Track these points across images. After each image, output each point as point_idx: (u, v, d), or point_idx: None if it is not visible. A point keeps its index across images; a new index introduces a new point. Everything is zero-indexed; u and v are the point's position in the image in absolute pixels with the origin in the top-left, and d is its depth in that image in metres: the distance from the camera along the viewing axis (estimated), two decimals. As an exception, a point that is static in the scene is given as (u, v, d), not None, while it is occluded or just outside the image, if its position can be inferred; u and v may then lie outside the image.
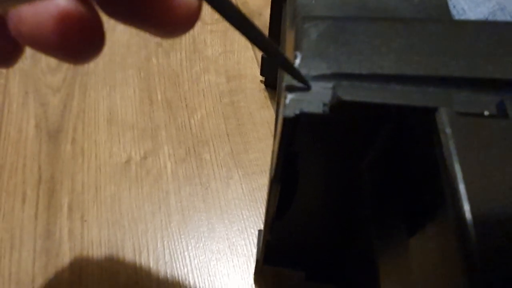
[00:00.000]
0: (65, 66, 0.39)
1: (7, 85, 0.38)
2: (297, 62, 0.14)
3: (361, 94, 0.12)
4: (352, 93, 0.12)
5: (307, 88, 0.13)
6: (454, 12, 0.22)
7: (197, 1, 0.12)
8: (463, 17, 0.22)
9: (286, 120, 0.13)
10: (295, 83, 0.13)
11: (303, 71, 0.13)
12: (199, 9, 0.12)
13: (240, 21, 0.12)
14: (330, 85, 0.13)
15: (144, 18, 0.12)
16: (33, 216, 0.30)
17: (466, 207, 0.10)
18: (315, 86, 0.13)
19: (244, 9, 0.42)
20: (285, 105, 0.13)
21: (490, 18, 0.23)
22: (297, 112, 0.13)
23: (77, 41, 0.12)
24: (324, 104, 0.13)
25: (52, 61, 0.39)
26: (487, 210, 0.10)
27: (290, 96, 0.13)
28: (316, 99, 0.13)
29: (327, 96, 0.13)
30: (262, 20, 0.41)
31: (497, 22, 0.16)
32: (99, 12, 0.12)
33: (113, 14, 0.12)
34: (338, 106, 0.12)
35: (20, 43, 0.13)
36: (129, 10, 0.12)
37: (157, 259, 0.28)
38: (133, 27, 0.13)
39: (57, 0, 0.11)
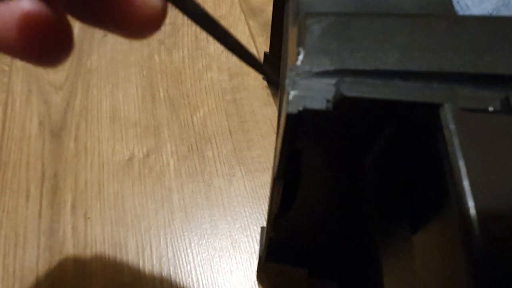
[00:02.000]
0: (68, 64, 0.39)
1: (10, 83, 0.38)
2: (300, 58, 0.14)
3: (364, 90, 0.12)
4: (355, 89, 0.12)
5: (276, 86, 0.13)
6: (457, 8, 0.22)
7: (160, 3, 0.12)
8: (467, 13, 0.22)
9: (289, 117, 0.13)
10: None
11: (306, 68, 0.13)
12: (163, 10, 0.12)
13: (204, 20, 0.12)
14: (333, 81, 0.13)
15: (107, 20, 0.12)
16: (36, 214, 0.30)
17: (470, 203, 0.10)
18: (318, 82, 0.13)
19: (246, 6, 0.42)
20: (288, 102, 0.13)
21: (494, 13, 0.22)
22: (300, 108, 0.13)
23: (42, 44, 0.12)
24: (327, 101, 0.12)
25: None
26: (491, 206, 0.10)
27: (293, 93, 0.13)
28: (319, 95, 0.13)
29: (330, 93, 0.13)
30: (265, 17, 0.41)
31: (501, 18, 0.16)
32: (66, 15, 0.12)
33: (76, 15, 0.12)
34: (341, 103, 0.12)
35: None
36: (91, 11, 0.12)
37: (160, 256, 0.28)
38: (100, 29, 0.13)
39: (21, 2, 0.11)
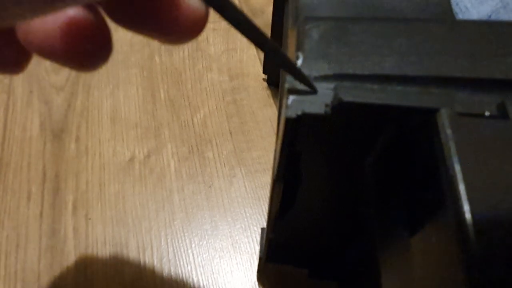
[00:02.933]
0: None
1: (11, 84, 0.38)
2: (299, 63, 0.14)
3: (362, 95, 0.13)
4: (354, 94, 0.13)
5: (313, 92, 0.13)
6: (457, 9, 0.22)
7: (204, 9, 0.12)
8: (466, 15, 0.22)
9: (288, 121, 0.13)
10: (302, 86, 0.13)
11: (305, 72, 0.13)
12: (206, 16, 0.12)
13: (245, 26, 0.12)
14: (331, 86, 0.13)
15: (152, 26, 0.12)
16: (38, 215, 0.30)
17: (466, 207, 0.10)
18: (317, 87, 0.13)
19: (246, 7, 0.42)
20: (287, 106, 0.13)
21: (493, 16, 0.23)
22: (299, 112, 0.13)
23: (84, 49, 0.12)
24: (326, 105, 0.13)
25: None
26: (487, 210, 0.10)
27: (292, 97, 0.13)
28: (318, 100, 0.13)
29: (328, 97, 0.13)
30: (265, 18, 0.41)
31: (499, 22, 0.16)
32: (106, 20, 0.13)
33: (120, 22, 0.13)
34: (339, 107, 0.13)
35: (28, 50, 0.13)
36: (137, 17, 0.12)
37: (161, 257, 0.28)
38: (140, 34, 0.13)
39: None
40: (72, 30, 0.12)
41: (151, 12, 0.12)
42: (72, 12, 0.12)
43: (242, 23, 0.12)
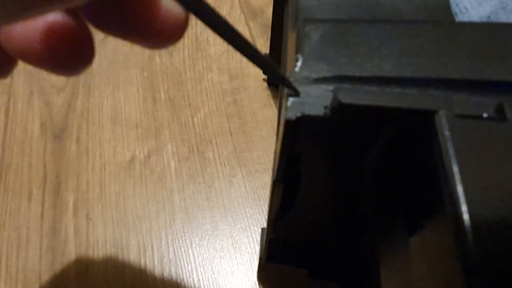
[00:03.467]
0: (69, 65, 0.39)
1: (12, 85, 0.38)
2: (299, 65, 0.14)
3: (361, 97, 0.13)
4: (353, 96, 0.13)
5: (294, 94, 0.13)
6: (456, 10, 0.22)
7: (184, 13, 0.12)
8: (465, 16, 0.22)
9: (287, 122, 0.13)
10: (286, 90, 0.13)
11: (305, 74, 0.14)
12: (186, 21, 0.13)
13: (225, 30, 0.12)
14: (331, 87, 0.13)
15: (131, 31, 0.13)
16: (39, 215, 0.30)
17: (464, 209, 0.10)
18: (316, 89, 0.13)
19: (246, 7, 0.42)
20: (287, 108, 0.13)
21: (493, 17, 0.23)
22: (299, 114, 0.13)
23: (65, 53, 0.12)
24: (325, 107, 0.13)
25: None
26: (485, 211, 0.10)
27: (291, 99, 0.13)
28: (317, 101, 0.13)
29: (328, 99, 0.13)
30: (265, 18, 0.41)
31: (497, 24, 0.16)
32: (88, 25, 0.13)
33: (101, 27, 0.13)
34: (338, 109, 0.13)
35: (10, 55, 0.13)
36: (117, 22, 0.12)
37: (161, 257, 0.28)
38: (121, 39, 0.13)
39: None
40: (53, 34, 0.12)
41: (130, 17, 0.12)
42: (52, 17, 0.12)
43: (221, 27, 0.12)
